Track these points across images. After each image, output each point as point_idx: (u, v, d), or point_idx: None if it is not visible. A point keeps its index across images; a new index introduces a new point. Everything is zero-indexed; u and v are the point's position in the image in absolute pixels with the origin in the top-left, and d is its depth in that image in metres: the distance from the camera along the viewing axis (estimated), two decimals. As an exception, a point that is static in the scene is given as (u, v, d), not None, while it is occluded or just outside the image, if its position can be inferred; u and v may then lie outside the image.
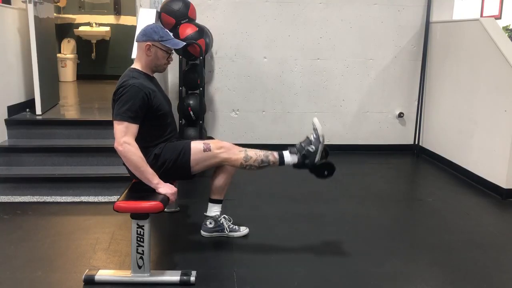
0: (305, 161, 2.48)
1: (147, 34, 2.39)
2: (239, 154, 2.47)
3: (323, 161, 2.51)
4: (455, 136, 4.17)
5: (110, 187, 3.40)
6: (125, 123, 2.25)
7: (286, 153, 2.52)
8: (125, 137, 2.24)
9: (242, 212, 3.14)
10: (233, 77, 4.58)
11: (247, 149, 2.52)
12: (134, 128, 2.28)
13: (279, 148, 4.79)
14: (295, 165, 2.52)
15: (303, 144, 2.50)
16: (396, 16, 4.61)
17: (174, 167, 2.42)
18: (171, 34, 2.48)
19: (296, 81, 4.65)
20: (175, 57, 3.57)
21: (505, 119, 3.48)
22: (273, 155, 2.51)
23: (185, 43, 2.61)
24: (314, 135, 2.49)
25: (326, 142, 2.52)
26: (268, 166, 2.52)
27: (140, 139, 2.31)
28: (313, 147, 2.47)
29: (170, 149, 2.43)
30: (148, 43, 2.39)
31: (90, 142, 3.69)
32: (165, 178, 2.37)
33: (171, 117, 2.55)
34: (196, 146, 2.45)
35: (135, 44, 2.53)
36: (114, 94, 2.34)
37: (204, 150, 2.43)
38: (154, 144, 2.42)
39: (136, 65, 2.46)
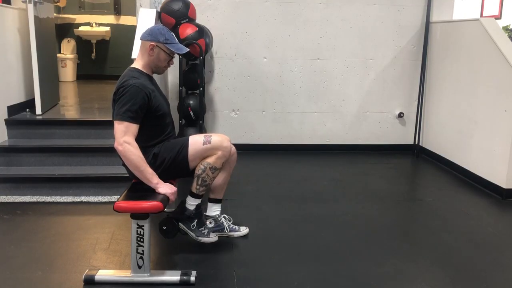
0: (184, 213, 2.55)
1: (153, 34, 2.39)
2: (220, 164, 2.46)
3: (176, 226, 2.56)
4: (455, 136, 4.17)
5: (110, 187, 3.40)
6: (125, 123, 2.25)
7: (197, 201, 2.54)
8: (125, 137, 2.24)
9: (242, 212, 3.14)
10: (233, 77, 4.58)
11: (221, 172, 2.56)
12: (134, 128, 2.28)
13: (279, 148, 4.81)
14: (181, 204, 2.58)
15: (205, 215, 2.63)
16: (396, 16, 4.61)
17: (173, 164, 2.42)
18: (176, 39, 2.48)
19: (296, 81, 4.64)
20: (175, 57, 3.57)
21: (505, 119, 3.48)
22: (203, 190, 2.50)
23: (188, 50, 2.61)
24: (218, 227, 2.66)
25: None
26: (199, 186, 2.47)
27: (139, 139, 2.31)
28: (200, 228, 2.58)
29: (168, 148, 2.43)
30: (153, 43, 2.39)
31: (90, 142, 3.69)
32: (164, 176, 2.38)
33: (169, 117, 2.55)
34: (195, 140, 2.44)
35: (137, 43, 2.52)
36: (114, 94, 2.33)
37: (204, 143, 2.42)
38: (153, 144, 2.42)
39: (136, 64, 2.46)
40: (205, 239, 2.60)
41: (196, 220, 2.57)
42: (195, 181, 2.48)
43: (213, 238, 2.63)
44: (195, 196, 2.52)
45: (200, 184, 2.47)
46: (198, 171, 2.45)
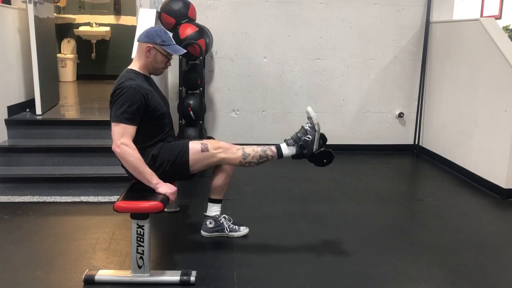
0: (303, 151, 2.48)
1: (150, 36, 2.39)
2: (237, 153, 2.48)
3: (321, 150, 2.50)
4: (455, 136, 4.17)
5: (110, 187, 3.40)
6: (122, 125, 2.25)
7: (283, 146, 2.52)
8: (122, 138, 2.24)
9: (242, 212, 3.14)
10: (233, 77, 4.58)
11: (245, 147, 2.53)
12: (131, 129, 2.27)
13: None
14: (293, 156, 2.52)
15: (299, 135, 2.50)
16: (396, 16, 4.61)
17: (173, 168, 2.42)
18: (173, 40, 2.48)
19: (296, 81, 4.64)
20: (175, 57, 3.57)
21: (505, 119, 3.48)
22: (271, 149, 2.52)
23: (186, 51, 2.60)
24: (309, 124, 2.48)
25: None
26: (267, 160, 2.53)
27: (137, 139, 2.31)
28: (309, 136, 2.47)
29: (168, 150, 2.43)
30: (149, 45, 2.39)
31: (90, 142, 3.69)
32: (164, 178, 2.37)
33: (168, 117, 2.55)
34: (194, 146, 2.45)
35: (136, 43, 2.53)
36: (112, 95, 2.34)
37: (202, 151, 2.43)
38: (151, 144, 2.42)
39: (133, 66, 2.46)
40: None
41: (307, 131, 2.47)
42: (266, 162, 2.52)
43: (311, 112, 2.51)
44: (279, 154, 2.50)
45: (265, 158, 2.51)
46: (253, 165, 2.52)
